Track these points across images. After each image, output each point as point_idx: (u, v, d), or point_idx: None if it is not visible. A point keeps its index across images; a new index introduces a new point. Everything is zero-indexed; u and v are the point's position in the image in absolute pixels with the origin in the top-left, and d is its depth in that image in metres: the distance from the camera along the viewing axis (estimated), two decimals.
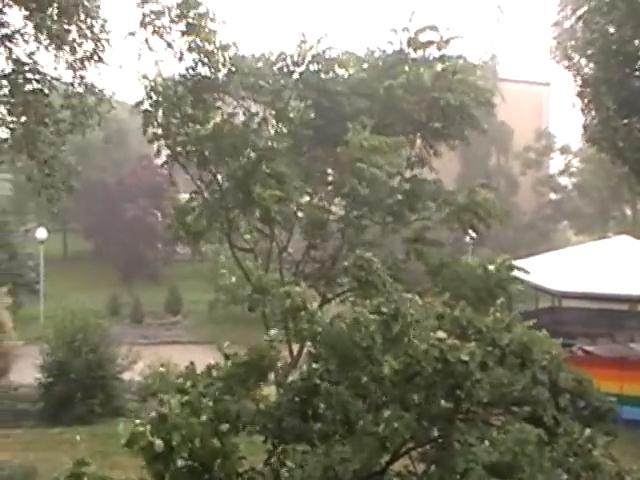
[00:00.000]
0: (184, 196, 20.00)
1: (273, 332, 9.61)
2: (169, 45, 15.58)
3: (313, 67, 16.99)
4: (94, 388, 23.90)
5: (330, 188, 18.00)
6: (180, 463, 8.93)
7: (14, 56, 17.51)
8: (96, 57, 17.61)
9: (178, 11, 15.09)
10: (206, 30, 15.28)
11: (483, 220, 16.46)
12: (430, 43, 17.32)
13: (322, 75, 16.97)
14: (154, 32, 15.23)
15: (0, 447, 20.78)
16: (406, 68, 17.11)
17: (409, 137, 17.64)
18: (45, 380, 24.41)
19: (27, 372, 24.65)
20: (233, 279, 23.73)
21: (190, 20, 15.21)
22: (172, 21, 15.21)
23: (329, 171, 18.19)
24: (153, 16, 15.29)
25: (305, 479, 8.70)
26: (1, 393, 25.06)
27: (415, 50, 17.51)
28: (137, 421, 9.26)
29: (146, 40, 15.27)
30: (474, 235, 18.73)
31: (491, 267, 14.62)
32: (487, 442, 8.84)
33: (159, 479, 9.31)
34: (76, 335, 24.31)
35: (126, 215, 46.30)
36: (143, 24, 15.21)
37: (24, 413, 24.24)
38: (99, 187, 46.87)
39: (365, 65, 17.84)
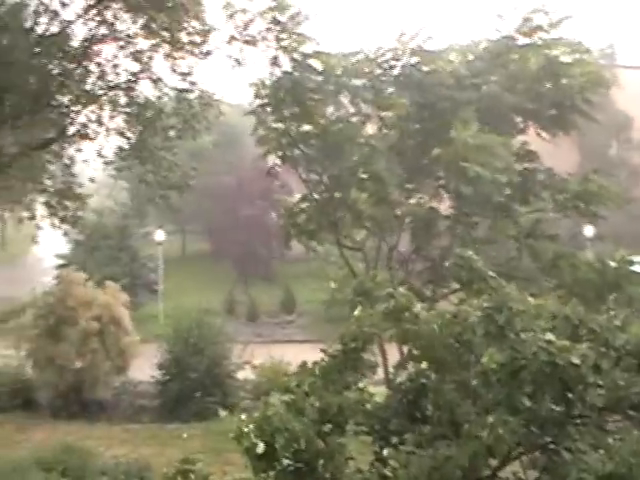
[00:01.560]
0: (299, 196, 20.08)
1: (357, 312, 9.46)
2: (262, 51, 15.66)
3: (413, 60, 16.67)
4: (210, 386, 24.35)
5: (438, 184, 17.63)
6: (285, 463, 8.91)
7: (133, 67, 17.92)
8: (204, 61, 17.85)
9: (270, 16, 15.12)
10: (297, 34, 15.25)
11: (600, 205, 15.71)
12: (539, 28, 16.61)
13: (424, 68, 16.62)
14: (246, 42, 15.35)
15: (119, 441, 21.63)
16: (514, 56, 16.51)
17: (518, 127, 17.04)
18: (163, 377, 25.17)
19: (146, 369, 25.42)
20: (333, 282, 23.46)
21: (281, 25, 15.22)
22: (267, 29, 15.27)
23: (435, 166, 17.80)
24: (242, 27, 15.42)
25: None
26: (121, 389, 25.93)
27: (524, 36, 16.85)
28: (242, 417, 9.33)
29: (240, 50, 15.40)
30: (591, 225, 17.88)
31: (611, 263, 13.88)
32: (601, 450, 8.35)
33: (264, 478, 9.33)
34: (193, 333, 24.90)
35: (242, 215, 47.07)
36: (233, 37, 15.36)
37: (143, 409, 25.06)
38: (216, 189, 47.90)
39: (470, 57, 17.36)
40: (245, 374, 25.88)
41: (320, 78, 16.50)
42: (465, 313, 8.94)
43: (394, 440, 9.72)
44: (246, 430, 9.05)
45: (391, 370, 13.36)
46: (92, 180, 20.68)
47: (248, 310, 41.25)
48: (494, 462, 9.25)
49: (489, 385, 8.95)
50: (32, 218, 20.13)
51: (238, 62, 15.63)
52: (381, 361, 17.10)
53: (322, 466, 9.22)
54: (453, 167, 15.08)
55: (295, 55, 16.50)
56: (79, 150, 18.62)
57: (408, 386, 10.04)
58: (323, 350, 10.14)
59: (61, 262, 38.23)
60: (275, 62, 16.65)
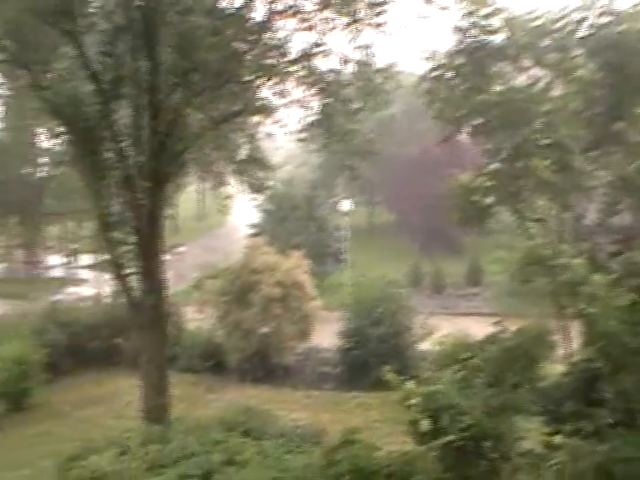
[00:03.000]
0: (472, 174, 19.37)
1: (537, 311, 8.99)
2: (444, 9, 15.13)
3: (602, 20, 15.45)
4: (390, 355, 24.33)
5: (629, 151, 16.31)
6: (450, 437, 8.75)
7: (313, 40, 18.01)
8: (384, 34, 17.58)
9: None
10: None
11: None
12: None
13: (616, 29, 15.33)
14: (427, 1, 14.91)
15: (301, 406, 22.40)
16: None
17: None
18: (344, 345, 25.60)
19: (330, 336, 25.94)
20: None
21: None
22: None
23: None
24: None
25: (575, 475, 8.02)
26: (305, 355, 26.72)
27: None
28: (410, 385, 9.24)
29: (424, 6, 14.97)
30: None
31: None
32: None
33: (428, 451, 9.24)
34: (375, 304, 25.08)
35: (428, 186, 46.48)
36: None
37: (325, 376, 25.79)
38: (402, 159, 47.65)
39: None
40: (428, 345, 25.70)
41: (502, 41, 15.78)
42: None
43: (568, 426, 9.26)
44: (411, 403, 8.98)
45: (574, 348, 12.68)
46: (290, 143, 21.15)
47: (433, 282, 40.94)
48: None
49: None
50: (224, 184, 21.01)
51: (421, 15, 15.12)
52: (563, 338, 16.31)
53: (490, 447, 8.96)
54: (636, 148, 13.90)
55: (476, 17, 15.85)
56: (260, 123, 19.10)
57: (583, 367, 9.52)
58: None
59: (253, 231, 39.85)
60: (457, 26, 16.09)
